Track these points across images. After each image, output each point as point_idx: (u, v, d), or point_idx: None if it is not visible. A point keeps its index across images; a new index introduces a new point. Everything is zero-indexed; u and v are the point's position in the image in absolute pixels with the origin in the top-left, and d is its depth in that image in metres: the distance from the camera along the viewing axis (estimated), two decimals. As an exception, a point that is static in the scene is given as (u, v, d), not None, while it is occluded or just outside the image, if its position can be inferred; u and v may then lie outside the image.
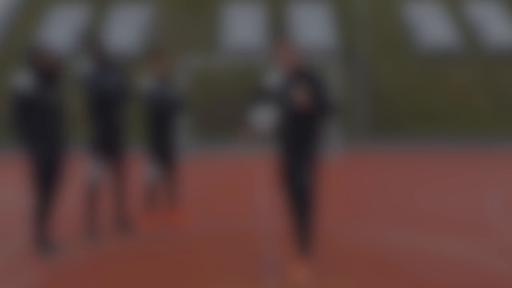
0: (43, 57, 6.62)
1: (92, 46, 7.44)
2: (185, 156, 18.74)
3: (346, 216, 8.77)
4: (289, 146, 5.79)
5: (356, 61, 25.18)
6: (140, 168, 8.47)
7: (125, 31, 26.35)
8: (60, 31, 26.29)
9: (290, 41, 5.80)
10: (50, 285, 5.56)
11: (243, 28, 26.68)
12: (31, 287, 5.52)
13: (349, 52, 25.83)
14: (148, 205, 8.14)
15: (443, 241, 7.17)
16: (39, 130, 6.60)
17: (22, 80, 6.57)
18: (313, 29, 26.65)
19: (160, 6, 28.16)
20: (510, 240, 7.28)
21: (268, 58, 21.65)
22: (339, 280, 5.61)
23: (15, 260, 6.53)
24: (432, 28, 26.82)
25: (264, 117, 5.84)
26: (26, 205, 10.00)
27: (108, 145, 7.49)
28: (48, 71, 6.65)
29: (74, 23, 26.71)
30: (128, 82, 7.62)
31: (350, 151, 20.98)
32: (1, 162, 18.39)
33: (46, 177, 6.69)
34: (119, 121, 7.54)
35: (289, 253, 6.51)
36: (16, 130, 6.56)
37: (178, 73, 19.82)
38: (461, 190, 11.42)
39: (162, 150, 8.04)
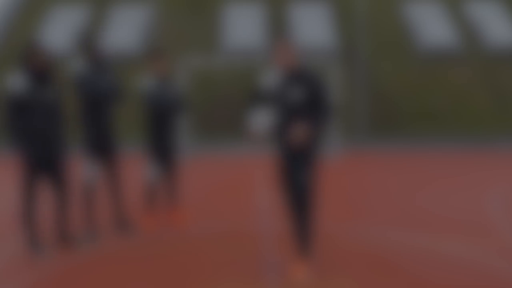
0: (36, 56, 6.59)
1: (86, 47, 7.43)
2: (185, 156, 18.74)
3: (346, 216, 8.77)
4: (287, 146, 5.78)
5: (356, 61, 25.17)
6: (140, 168, 8.46)
7: (125, 31, 26.35)
8: (60, 31, 26.29)
9: (289, 41, 5.78)
10: (49, 285, 5.55)
11: (243, 28, 26.67)
12: (30, 287, 5.52)
13: (349, 52, 25.83)
14: (148, 205, 8.14)
15: (444, 241, 7.17)
16: (32, 130, 6.58)
17: (15, 80, 6.55)
18: (313, 29, 26.65)
19: (160, 6, 28.16)
20: (510, 240, 7.28)
21: (268, 58, 21.66)
22: (339, 280, 5.61)
23: (14, 260, 6.52)
24: (432, 28, 26.82)
25: (262, 119, 5.82)
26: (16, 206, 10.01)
27: (101, 145, 7.48)
28: (41, 70, 6.62)
29: (74, 23, 26.70)
30: (120, 83, 7.62)
31: (350, 151, 20.99)
32: (5, 162, 18.39)
33: (37, 177, 6.67)
34: (111, 122, 7.53)
35: (289, 253, 6.51)
36: (9, 131, 6.55)
37: (178, 73, 19.82)
38: (461, 190, 11.42)
39: (162, 150, 8.03)
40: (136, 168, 9.19)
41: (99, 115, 7.44)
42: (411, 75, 25.11)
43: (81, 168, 7.51)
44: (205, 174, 14.42)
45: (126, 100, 7.80)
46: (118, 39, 25.67)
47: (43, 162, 6.65)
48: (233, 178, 13.76)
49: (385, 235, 7.49)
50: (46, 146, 6.64)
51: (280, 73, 5.83)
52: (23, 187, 6.66)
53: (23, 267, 6.22)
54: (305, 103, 5.71)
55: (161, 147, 8.03)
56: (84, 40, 7.42)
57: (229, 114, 23.31)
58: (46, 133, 6.63)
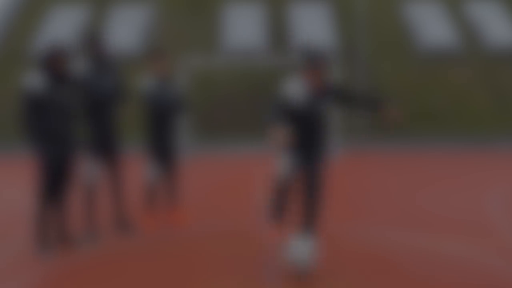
0: (60, 59, 6.61)
1: (89, 45, 7.43)
2: (185, 156, 18.75)
3: (347, 216, 8.78)
4: (304, 156, 5.90)
5: (356, 61, 25.17)
6: (140, 168, 8.47)
7: (125, 31, 26.35)
8: (60, 31, 26.29)
9: (321, 62, 5.81)
10: (50, 285, 5.56)
11: (243, 28, 26.67)
12: (31, 287, 5.52)
13: (349, 52, 25.82)
14: (148, 205, 8.14)
15: (444, 241, 7.18)
16: (51, 131, 6.59)
17: (34, 80, 6.55)
18: (313, 29, 26.64)
19: (160, 6, 28.16)
20: (510, 240, 7.28)
21: (268, 59, 21.65)
22: (340, 280, 5.62)
23: (15, 260, 6.53)
24: (432, 28, 26.82)
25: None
26: (30, 205, 10.02)
27: (103, 145, 7.49)
28: (61, 72, 6.64)
29: (74, 23, 26.70)
30: (123, 83, 7.62)
31: (350, 151, 20.99)
32: (7, 162, 18.39)
33: (55, 178, 6.69)
34: (113, 121, 7.54)
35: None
36: (28, 131, 6.55)
37: (178, 73, 19.81)
38: (461, 190, 11.42)
39: (162, 150, 8.04)
40: (136, 168, 9.19)
41: (102, 115, 7.44)
42: (411, 75, 25.11)
43: (82, 168, 7.52)
44: (205, 174, 14.42)
45: (128, 100, 7.81)
46: (118, 39, 25.67)
47: (60, 162, 6.67)
48: (233, 178, 13.77)
49: (385, 235, 7.50)
50: (63, 147, 6.66)
51: (308, 89, 5.86)
52: (43, 187, 6.66)
53: (24, 266, 6.23)
54: (324, 116, 5.87)
55: (161, 147, 8.03)
56: (88, 39, 7.41)
57: (229, 114, 23.31)
58: (63, 134, 6.65)
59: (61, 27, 26.56)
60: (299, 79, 5.90)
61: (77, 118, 7.04)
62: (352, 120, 23.64)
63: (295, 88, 5.86)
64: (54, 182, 6.72)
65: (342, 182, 12.78)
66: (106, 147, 7.51)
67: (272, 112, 5.81)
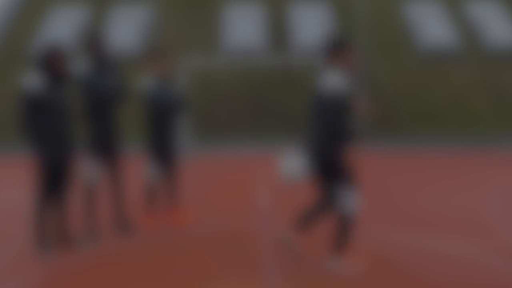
0: (58, 59, 6.61)
1: (90, 45, 7.43)
2: (185, 156, 18.74)
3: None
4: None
5: (356, 61, 25.17)
6: (140, 168, 8.46)
7: (125, 31, 26.35)
8: (60, 31, 26.29)
9: (351, 45, 5.85)
10: (50, 285, 5.55)
11: (243, 28, 26.68)
12: (31, 287, 5.52)
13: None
14: (148, 205, 8.14)
15: (444, 241, 7.17)
16: (49, 132, 6.60)
17: (33, 80, 6.55)
18: (313, 29, 26.65)
19: (160, 6, 28.17)
20: (510, 240, 7.28)
21: (268, 59, 21.64)
22: (339, 279, 5.62)
23: (15, 260, 6.53)
24: (432, 28, 26.83)
25: (296, 165, 5.83)
26: (29, 205, 10.02)
27: (104, 145, 7.49)
28: (60, 72, 6.65)
29: (74, 23, 26.71)
30: (124, 83, 7.62)
31: (350, 151, 20.98)
32: (6, 162, 18.39)
33: (54, 178, 6.70)
34: (114, 122, 7.54)
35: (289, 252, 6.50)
36: (26, 131, 6.55)
37: (178, 73, 19.82)
38: (461, 190, 11.42)
39: (163, 150, 8.04)
40: (136, 168, 9.19)
41: (103, 115, 7.44)
42: (411, 75, 25.12)
43: (83, 168, 7.52)
44: (205, 174, 14.42)
45: (129, 100, 7.82)
46: (118, 39, 25.67)
47: (58, 162, 6.68)
48: (233, 178, 13.76)
49: (385, 235, 7.50)
50: (62, 147, 6.67)
51: (345, 75, 5.85)
52: (42, 187, 6.66)
53: (24, 266, 6.22)
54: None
55: (161, 147, 8.03)
56: (88, 39, 7.41)
57: (229, 114, 23.32)
58: (62, 134, 6.65)
59: (61, 27, 26.56)
60: (333, 70, 5.82)
61: (77, 118, 7.04)
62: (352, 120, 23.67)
63: (335, 80, 5.78)
64: (53, 182, 6.72)
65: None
66: (106, 147, 7.51)
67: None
